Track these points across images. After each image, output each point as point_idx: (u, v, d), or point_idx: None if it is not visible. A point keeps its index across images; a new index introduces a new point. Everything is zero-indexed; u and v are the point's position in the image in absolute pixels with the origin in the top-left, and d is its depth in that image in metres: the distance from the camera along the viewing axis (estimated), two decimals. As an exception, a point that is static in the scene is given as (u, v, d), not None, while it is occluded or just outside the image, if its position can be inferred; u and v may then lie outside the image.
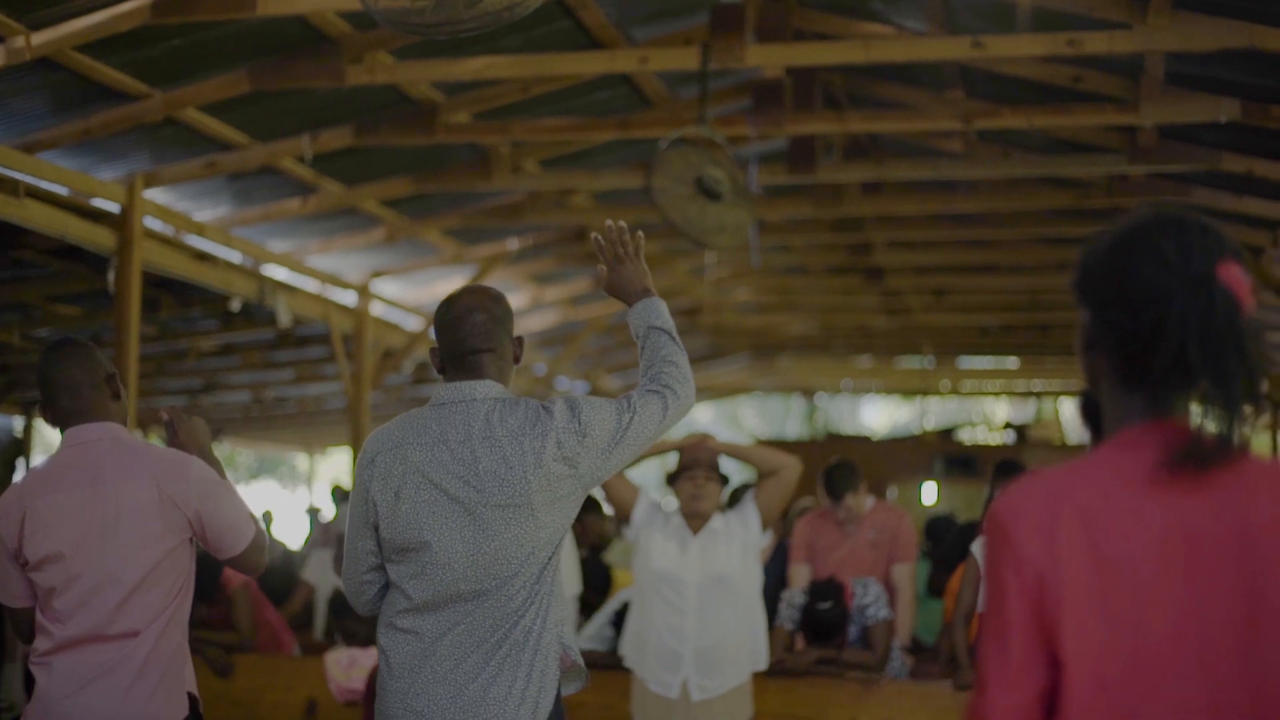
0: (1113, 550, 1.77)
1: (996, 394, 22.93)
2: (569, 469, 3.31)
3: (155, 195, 8.74)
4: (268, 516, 14.60)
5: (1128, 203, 9.39)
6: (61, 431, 3.88)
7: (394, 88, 7.89)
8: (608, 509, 9.75)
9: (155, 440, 8.88)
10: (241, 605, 7.53)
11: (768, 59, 7.48)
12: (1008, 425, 18.61)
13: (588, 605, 8.07)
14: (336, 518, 13.23)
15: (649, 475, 18.72)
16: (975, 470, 15.14)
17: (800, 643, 6.80)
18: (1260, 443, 14.38)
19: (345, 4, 6.28)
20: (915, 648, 7.60)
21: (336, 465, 26.69)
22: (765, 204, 10.28)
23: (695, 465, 5.89)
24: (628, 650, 6.05)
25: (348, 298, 11.70)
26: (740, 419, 30.67)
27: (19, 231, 8.31)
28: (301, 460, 27.60)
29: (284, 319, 10.28)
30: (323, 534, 13.05)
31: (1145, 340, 1.83)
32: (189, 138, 8.11)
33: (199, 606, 6.00)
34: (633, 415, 3.40)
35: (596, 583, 8.42)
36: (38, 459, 17.72)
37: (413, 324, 12.95)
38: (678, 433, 6.96)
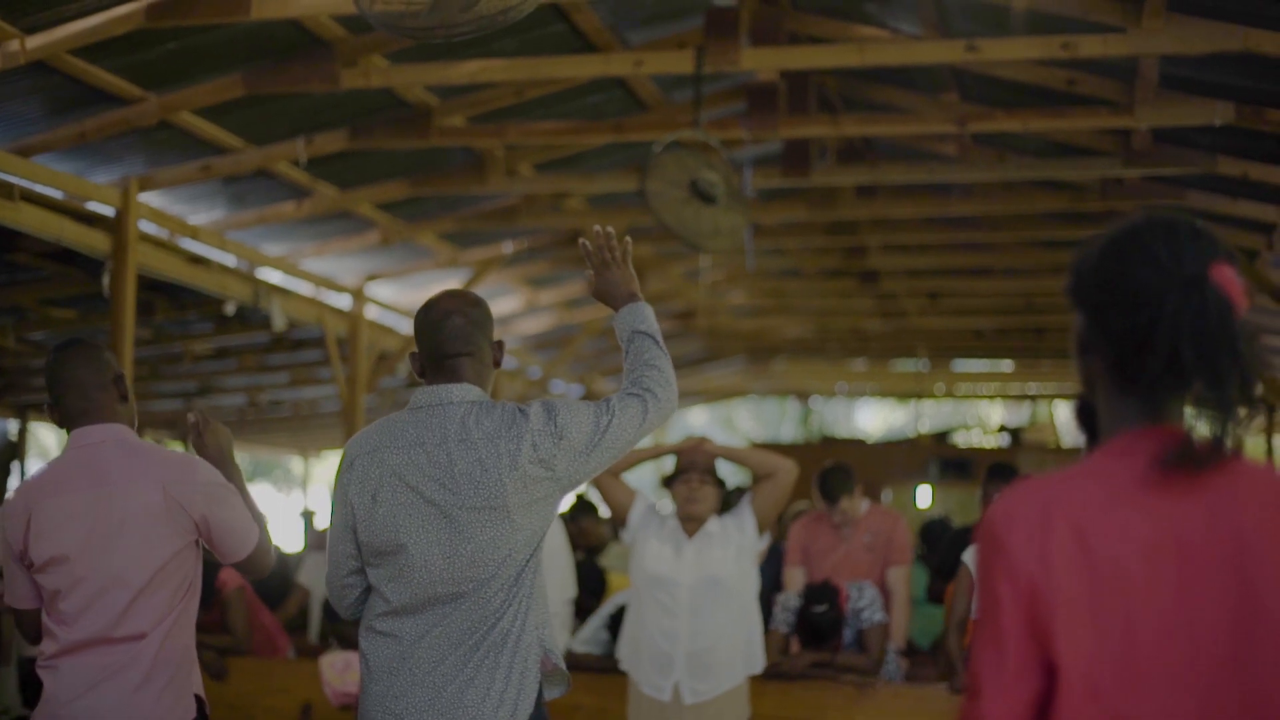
0: (1104, 558, 1.77)
1: (991, 397, 22.92)
2: (545, 471, 3.32)
3: (150, 199, 8.73)
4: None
5: (1122, 206, 9.40)
6: (68, 432, 3.86)
7: (389, 91, 7.89)
8: (604, 512, 9.77)
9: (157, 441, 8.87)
10: (236, 608, 7.52)
11: (762, 62, 7.49)
12: (1003, 428, 18.63)
13: (583, 609, 8.07)
14: (331, 521, 13.19)
15: (644, 479, 18.72)
16: (970, 473, 15.14)
17: (795, 646, 6.81)
18: (1256, 447, 14.38)
19: (340, 7, 6.28)
20: (910, 651, 7.61)
21: (331, 469, 26.64)
22: (760, 207, 10.29)
23: (691, 468, 5.90)
24: (624, 653, 6.05)
25: (342, 301, 11.69)
26: (735, 422, 30.66)
27: (14, 235, 8.30)
28: (296, 464, 27.57)
29: (279, 322, 10.28)
30: (317, 538, 13.02)
31: (1139, 342, 1.83)
32: (184, 141, 8.10)
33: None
34: (611, 418, 3.41)
35: (591, 586, 8.43)
36: (32, 462, 17.72)
37: (407, 327, 12.93)
38: (674, 436, 6.96)
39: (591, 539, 9.31)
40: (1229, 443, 1.79)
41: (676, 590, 5.77)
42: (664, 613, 5.78)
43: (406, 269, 11.91)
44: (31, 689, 9.73)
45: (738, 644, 5.81)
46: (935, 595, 8.21)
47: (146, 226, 8.67)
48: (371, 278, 11.82)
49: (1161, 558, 1.78)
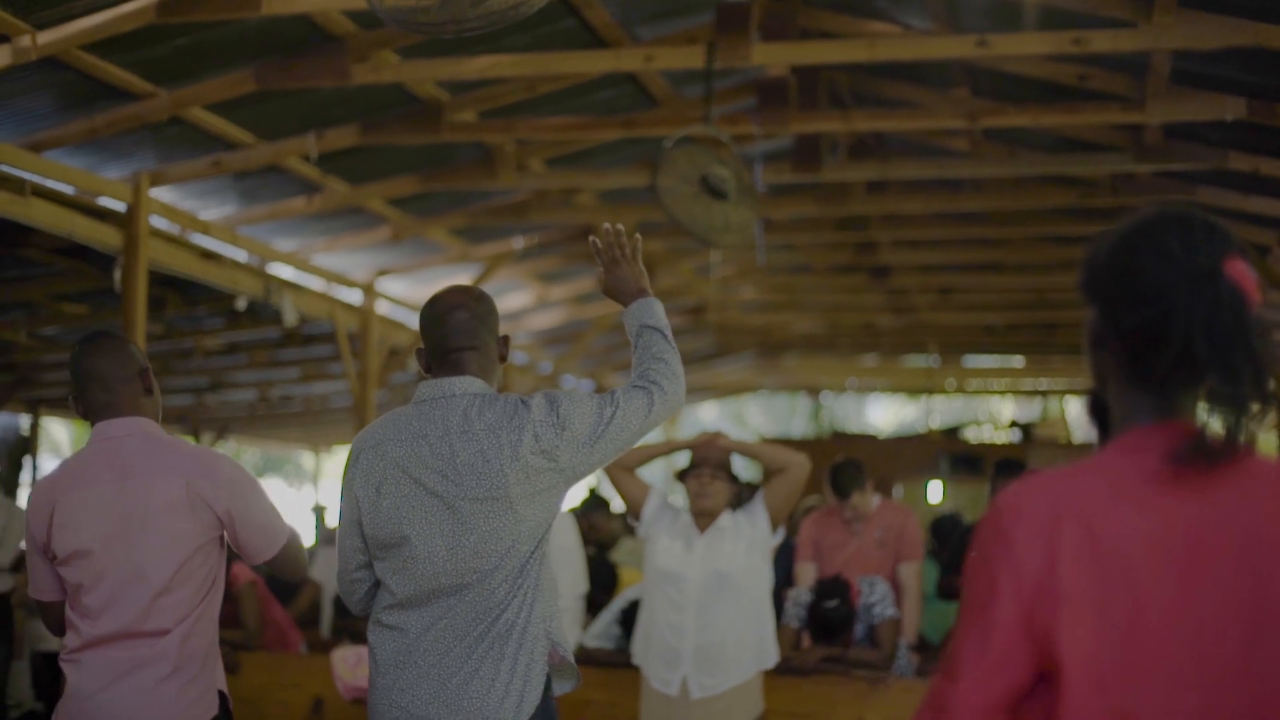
0: (1113, 554, 1.77)
1: (1002, 393, 22.92)
2: (548, 462, 3.32)
3: (161, 194, 8.75)
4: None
5: (1133, 201, 9.38)
6: (92, 425, 3.84)
7: (399, 86, 7.90)
8: (615, 507, 9.78)
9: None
10: (248, 603, 7.54)
11: (773, 57, 7.48)
12: (1013, 424, 18.60)
13: (594, 604, 8.08)
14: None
15: (655, 475, 18.70)
16: (981, 469, 15.11)
17: (806, 641, 6.81)
18: (1268, 443, 14.35)
19: (350, 3, 6.28)
20: (922, 646, 7.60)
21: (342, 464, 26.64)
22: (770, 202, 10.28)
23: (703, 463, 5.89)
24: (637, 648, 6.05)
25: (353, 296, 11.70)
26: (745, 418, 30.64)
27: (25, 230, 8.32)
28: (307, 459, 27.63)
29: (290, 318, 10.29)
30: (328, 533, 13.07)
31: (1151, 336, 1.82)
32: (194, 136, 8.11)
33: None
34: (615, 409, 3.41)
35: (603, 581, 8.43)
36: (44, 457, 17.76)
37: (418, 322, 12.93)
38: (685, 432, 6.96)
39: (602, 534, 9.32)
40: (1241, 438, 1.78)
41: (684, 585, 5.76)
42: (672, 607, 5.77)
43: (417, 264, 11.92)
44: (43, 683, 9.78)
45: (746, 639, 5.79)
46: (946, 590, 8.21)
47: (158, 222, 8.69)
48: (382, 273, 11.83)
49: (1171, 554, 1.77)
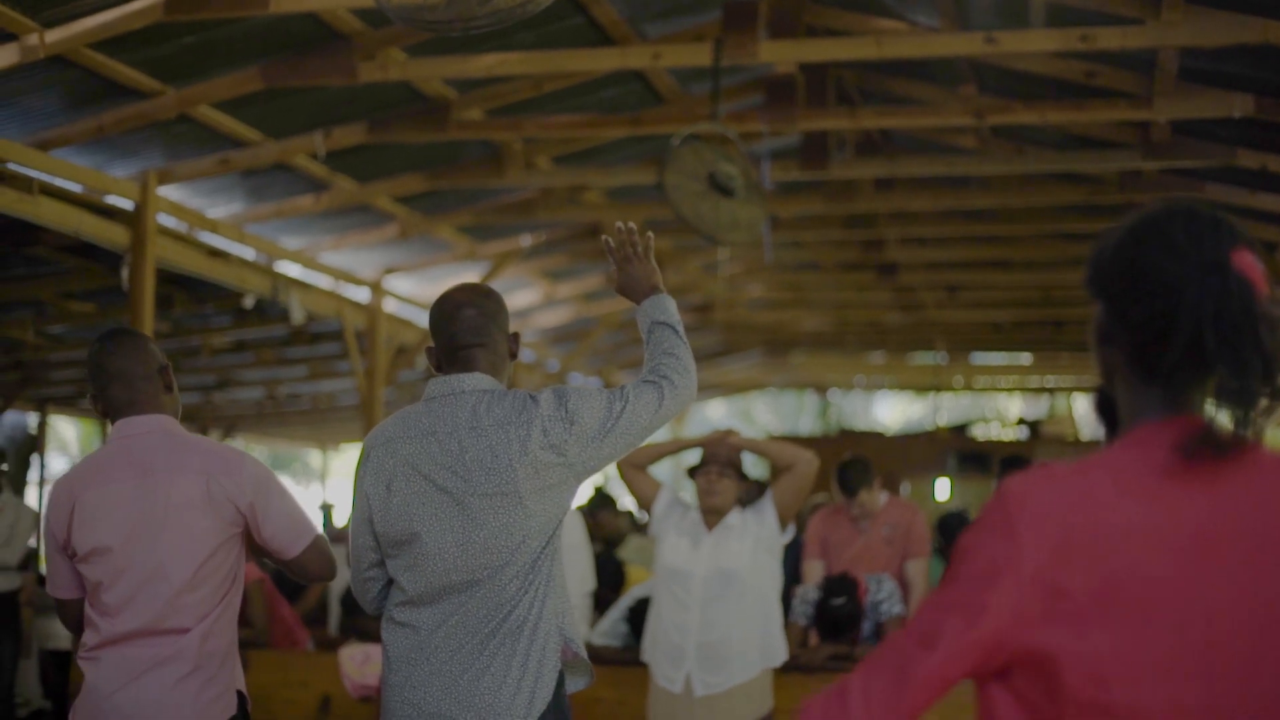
0: (1118, 548, 1.75)
1: (1010, 390, 22.89)
2: (557, 457, 3.31)
3: (168, 192, 8.77)
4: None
5: (1141, 198, 9.36)
6: (112, 423, 3.84)
7: (406, 84, 7.90)
8: (622, 505, 9.78)
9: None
10: (255, 601, 7.54)
11: (780, 55, 7.48)
12: (1021, 421, 18.58)
13: (601, 601, 8.08)
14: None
15: (664, 472, 18.70)
16: (988, 466, 15.05)
17: (814, 638, 6.80)
18: (1276, 438, 14.32)
19: (358, 1, 6.28)
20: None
21: (350, 462, 26.67)
22: (778, 200, 10.28)
23: (710, 461, 5.88)
24: (646, 646, 6.05)
25: (361, 294, 11.72)
26: (753, 415, 30.63)
27: (33, 228, 8.33)
28: (315, 457, 27.63)
29: (297, 315, 10.30)
30: (337, 530, 13.08)
31: (1159, 330, 1.81)
32: (202, 135, 8.13)
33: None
34: (625, 404, 3.40)
35: (610, 579, 8.43)
36: (52, 455, 17.78)
37: (426, 320, 12.88)
38: (693, 430, 6.96)
39: (609, 532, 9.31)
40: (1250, 431, 1.77)
41: (689, 582, 5.75)
42: (678, 605, 5.77)
43: (424, 262, 11.93)
44: (51, 682, 9.80)
45: (751, 637, 5.78)
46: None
47: (165, 220, 8.70)
48: (390, 271, 11.84)
49: (1178, 547, 1.76)
